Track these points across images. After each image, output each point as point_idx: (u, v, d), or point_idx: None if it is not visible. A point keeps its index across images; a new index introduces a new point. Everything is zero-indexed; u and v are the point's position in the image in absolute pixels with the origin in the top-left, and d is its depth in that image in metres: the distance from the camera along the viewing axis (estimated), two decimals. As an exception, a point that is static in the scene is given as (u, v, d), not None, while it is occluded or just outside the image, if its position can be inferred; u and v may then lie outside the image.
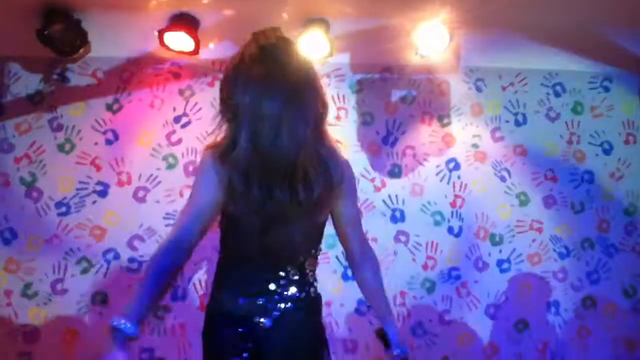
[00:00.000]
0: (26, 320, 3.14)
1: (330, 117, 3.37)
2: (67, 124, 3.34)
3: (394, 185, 3.52)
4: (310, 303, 1.94)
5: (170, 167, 3.39)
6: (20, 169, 3.27)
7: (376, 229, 3.43)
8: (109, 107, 3.38)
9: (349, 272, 3.36)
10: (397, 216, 3.50)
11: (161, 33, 3.20)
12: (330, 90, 3.55)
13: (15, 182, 3.25)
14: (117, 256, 3.24)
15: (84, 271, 3.22)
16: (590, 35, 3.38)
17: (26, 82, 3.35)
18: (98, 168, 3.32)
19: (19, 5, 2.95)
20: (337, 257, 3.39)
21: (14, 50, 3.31)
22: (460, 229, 3.52)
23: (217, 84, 3.36)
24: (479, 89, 3.67)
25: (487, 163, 3.61)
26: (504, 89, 3.69)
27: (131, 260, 3.27)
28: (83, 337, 3.16)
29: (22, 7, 2.95)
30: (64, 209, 3.26)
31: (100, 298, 3.22)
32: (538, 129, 3.66)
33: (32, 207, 3.24)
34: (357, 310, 3.37)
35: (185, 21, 3.18)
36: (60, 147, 3.32)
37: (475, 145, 3.62)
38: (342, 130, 3.51)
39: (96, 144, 3.34)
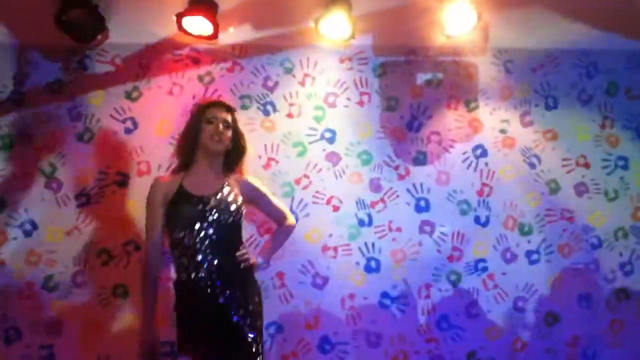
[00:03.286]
0: (48, 312, 3.14)
1: (353, 102, 3.39)
2: (86, 112, 3.30)
3: (418, 173, 3.42)
4: None
5: (189, 156, 3.32)
6: (40, 159, 3.24)
7: (400, 218, 3.35)
8: (128, 95, 3.34)
9: (373, 264, 3.31)
10: (422, 205, 3.40)
11: (179, 17, 3.14)
12: (353, 74, 3.46)
13: (35, 173, 3.23)
14: (137, 248, 3.20)
15: (104, 263, 3.20)
16: (628, 10, 3.21)
17: (46, 71, 3.31)
18: (117, 158, 3.27)
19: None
20: (359, 249, 3.32)
21: (33, 38, 3.29)
22: (488, 218, 3.41)
23: (237, 70, 3.37)
24: (508, 71, 3.55)
25: (516, 149, 3.49)
26: (534, 70, 3.57)
27: (152, 251, 3.22)
28: (104, 329, 3.14)
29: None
30: (83, 200, 3.23)
31: (120, 290, 3.19)
32: (569, 113, 3.53)
33: (52, 198, 3.22)
34: (381, 303, 3.30)
35: (203, 5, 3.12)
36: (80, 137, 3.28)
37: (503, 131, 3.50)
38: (364, 115, 3.42)
39: (115, 132, 3.30)
